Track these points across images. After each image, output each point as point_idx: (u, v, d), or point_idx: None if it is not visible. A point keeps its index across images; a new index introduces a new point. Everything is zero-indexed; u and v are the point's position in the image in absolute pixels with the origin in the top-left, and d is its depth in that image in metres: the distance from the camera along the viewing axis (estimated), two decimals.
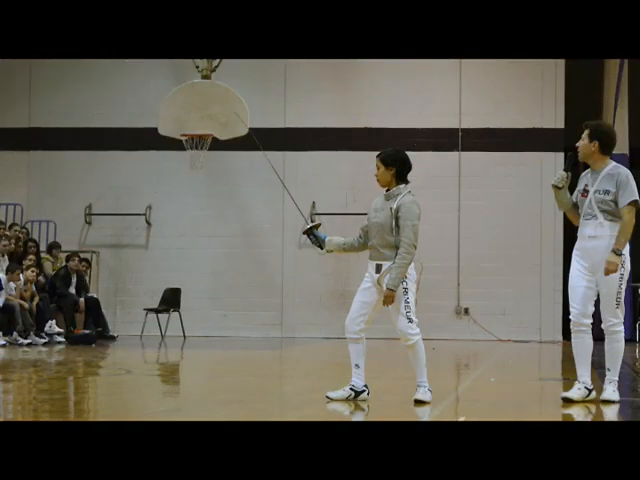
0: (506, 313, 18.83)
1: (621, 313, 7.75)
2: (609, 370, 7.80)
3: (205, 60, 17.37)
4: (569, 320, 7.88)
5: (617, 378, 7.83)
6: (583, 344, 7.81)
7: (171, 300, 18.54)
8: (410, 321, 7.58)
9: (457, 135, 19.09)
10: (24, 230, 18.30)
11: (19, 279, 15.83)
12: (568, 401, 7.77)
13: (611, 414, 7.39)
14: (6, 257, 16.38)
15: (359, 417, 7.40)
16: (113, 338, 17.35)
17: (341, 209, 18.93)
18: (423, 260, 9.59)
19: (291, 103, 19.37)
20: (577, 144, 7.93)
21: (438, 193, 18.60)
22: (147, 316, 18.22)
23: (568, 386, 8.15)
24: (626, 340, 8.06)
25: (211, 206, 19.39)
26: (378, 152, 7.83)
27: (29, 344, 15.24)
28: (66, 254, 17.81)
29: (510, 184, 18.92)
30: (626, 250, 7.66)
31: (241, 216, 19.40)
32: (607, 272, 7.58)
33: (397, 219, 7.57)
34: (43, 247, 18.36)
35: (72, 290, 17.26)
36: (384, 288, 7.55)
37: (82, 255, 18.25)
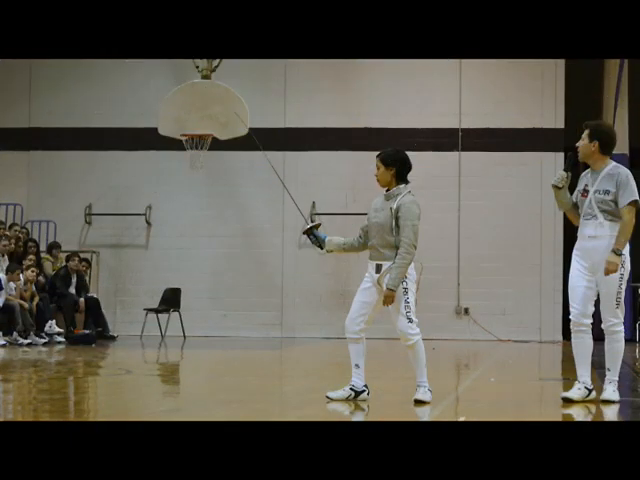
0: (506, 313, 18.83)
1: (621, 313, 7.75)
2: (609, 370, 7.80)
3: (205, 60, 17.37)
4: (569, 320, 7.88)
5: (617, 378, 7.83)
6: (583, 344, 7.81)
7: (171, 300, 18.54)
8: (410, 321, 7.58)
9: (457, 135, 19.09)
10: (24, 230, 18.30)
11: (19, 279, 15.83)
12: (568, 401, 7.77)
13: (611, 414, 7.39)
14: (6, 257, 16.38)
15: (359, 417, 7.40)
16: (113, 338, 17.35)
17: (341, 209, 18.93)
18: (423, 260, 9.59)
19: (291, 103, 19.37)
20: (577, 144, 7.93)
21: (438, 193, 18.60)
22: (147, 316, 18.22)
23: (568, 386, 8.15)
24: (626, 340, 8.06)
25: (211, 206, 19.39)
26: (378, 152, 7.83)
27: (29, 344, 15.24)
28: (66, 254, 17.82)
29: (510, 184, 18.92)
30: (626, 250, 7.66)
31: (241, 216, 19.41)
32: (607, 272, 7.58)
33: (397, 219, 7.57)
34: (43, 247, 18.36)
35: (72, 290, 17.26)
36: (384, 288, 7.55)
37: (82, 255, 18.25)
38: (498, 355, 15.33)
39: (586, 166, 7.98)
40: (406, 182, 7.75)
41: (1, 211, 19.39)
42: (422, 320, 7.88)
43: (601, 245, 7.67)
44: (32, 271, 16.09)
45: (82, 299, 17.21)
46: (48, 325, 16.14)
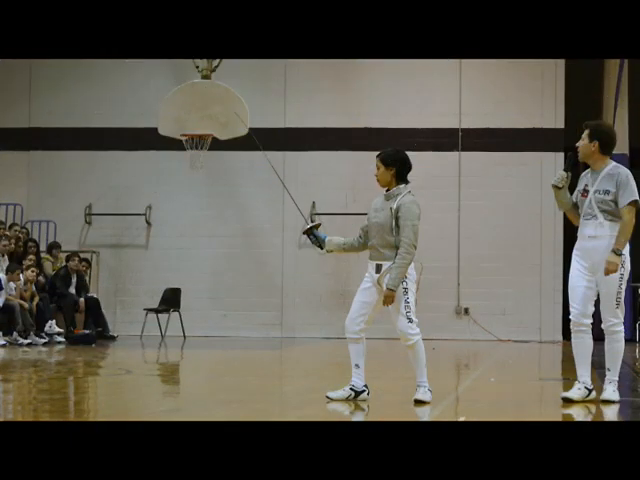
0: (506, 313, 18.83)
1: (621, 313, 7.75)
2: (609, 370, 7.80)
3: (205, 60, 17.37)
4: (569, 320, 7.88)
5: (617, 378, 7.83)
6: (583, 344, 7.81)
7: (171, 300, 18.54)
8: (410, 321, 7.58)
9: (457, 135, 19.09)
10: (24, 230, 18.30)
11: (19, 279, 15.83)
12: (568, 401, 7.77)
13: (611, 414, 7.39)
14: (6, 257, 16.38)
15: (359, 417, 7.40)
16: (113, 338, 17.35)
17: (341, 209, 18.93)
18: (423, 260, 9.59)
19: (291, 103, 19.37)
20: (577, 144, 7.93)
21: (438, 193, 18.60)
22: (147, 316, 18.22)
23: (568, 386, 8.15)
24: (626, 340, 8.06)
25: (211, 206, 19.39)
26: (378, 152, 7.83)
27: (29, 344, 15.24)
28: (66, 254, 17.82)
29: (510, 184, 18.92)
30: (626, 250, 7.66)
31: (241, 216, 19.41)
32: (607, 272, 7.58)
33: (397, 219, 7.57)
34: (43, 247, 18.36)
35: (72, 290, 17.26)
36: (384, 288, 7.55)
37: (82, 255, 18.25)
38: (498, 355, 15.33)
39: (586, 166, 7.98)
40: (406, 182, 7.75)
41: (1, 211, 19.39)
42: (422, 320, 7.88)
43: (601, 245, 7.67)
44: (32, 271, 16.09)
45: (82, 299, 17.21)
46: (48, 325, 16.14)
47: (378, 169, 7.75)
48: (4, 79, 19.71)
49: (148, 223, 19.59)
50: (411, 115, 19.12)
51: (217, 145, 17.52)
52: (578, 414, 7.38)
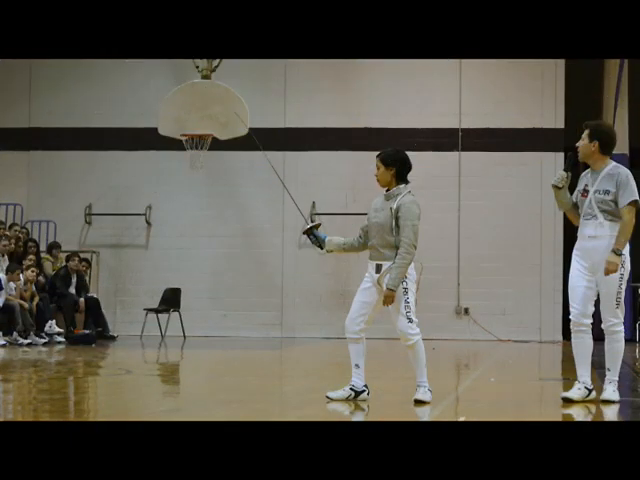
0: (506, 313, 18.83)
1: (621, 313, 7.75)
2: (609, 370, 7.80)
3: (205, 60, 17.37)
4: (569, 320, 7.88)
5: (617, 378, 7.83)
6: (583, 344, 7.81)
7: (171, 300, 18.54)
8: (410, 321, 7.58)
9: (457, 135, 19.09)
10: (24, 230, 18.30)
11: (19, 279, 15.83)
12: (568, 401, 7.77)
13: (611, 414, 7.39)
14: (6, 257, 16.38)
15: (359, 417, 7.40)
16: (113, 338, 17.35)
17: (341, 209, 18.93)
18: (423, 260, 9.59)
19: (291, 103, 19.37)
20: (577, 144, 7.93)
21: (438, 193, 18.60)
22: (147, 316, 18.22)
23: (568, 386, 8.15)
24: (626, 340, 8.06)
25: (211, 206, 19.39)
26: (378, 152, 7.83)
27: (29, 344, 15.24)
28: (66, 254, 17.82)
29: (510, 184, 18.92)
30: (626, 250, 7.66)
31: (241, 216, 19.41)
32: (607, 272, 7.58)
33: (397, 219, 7.57)
34: (43, 247, 18.36)
35: (72, 290, 17.26)
36: (384, 288, 7.55)
37: (82, 255, 18.25)
38: (498, 355, 15.33)
39: (586, 166, 7.98)
40: (406, 182, 7.75)
41: (1, 211, 19.39)
42: (422, 320, 7.88)
43: (601, 245, 7.67)
44: (32, 271, 16.09)
45: (82, 299, 17.21)
46: (48, 325, 16.14)
47: (378, 169, 7.75)
48: (4, 79, 19.71)
49: (148, 223, 19.59)
50: (411, 115, 19.12)
51: (217, 145, 17.52)
52: (578, 414, 7.38)
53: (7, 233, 16.96)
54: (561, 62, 18.76)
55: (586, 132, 7.87)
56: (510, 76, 18.99)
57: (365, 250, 7.88)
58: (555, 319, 18.59)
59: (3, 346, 14.64)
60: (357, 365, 7.81)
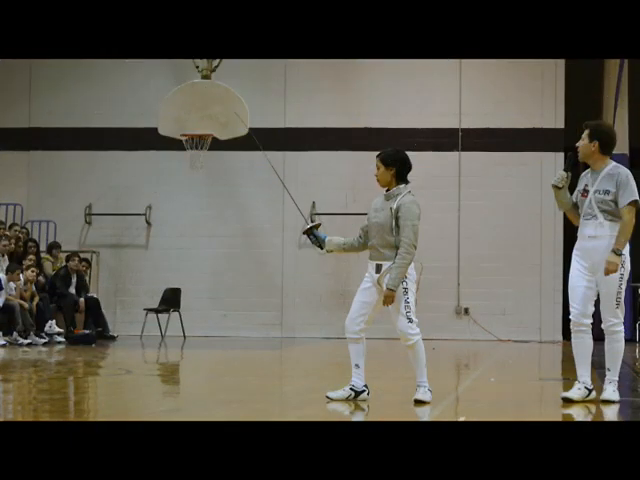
0: (506, 313, 18.83)
1: (621, 313, 7.75)
2: (609, 370, 7.80)
3: (205, 60, 17.37)
4: (569, 320, 7.88)
5: (617, 378, 7.83)
6: (583, 344, 7.81)
7: (171, 300, 18.54)
8: (410, 321, 7.58)
9: (457, 135, 19.09)
10: (24, 230, 18.30)
11: (19, 279, 15.83)
12: (568, 401, 7.77)
13: (611, 414, 7.39)
14: (6, 257, 16.38)
15: (359, 417, 7.40)
16: (113, 338, 17.35)
17: (341, 209, 18.93)
18: (423, 260, 9.59)
19: (291, 103, 19.37)
20: (577, 144, 7.93)
21: (438, 193, 18.60)
22: (147, 316, 18.22)
23: (568, 386, 8.15)
24: (626, 340, 8.06)
25: (211, 206, 19.39)
26: (378, 152, 7.83)
27: (29, 344, 15.24)
28: (66, 254, 17.82)
29: (510, 184, 18.92)
30: (626, 250, 7.66)
31: (241, 216, 19.41)
32: (607, 272, 7.58)
33: (397, 219, 7.57)
34: (43, 247, 18.36)
35: (72, 290, 17.26)
36: (384, 288, 7.55)
37: (82, 255, 18.25)
38: (498, 355, 15.33)
39: (586, 166, 7.98)
40: (406, 182, 7.75)
41: (1, 211, 19.39)
42: (422, 320, 7.88)
43: (601, 245, 7.67)
44: (32, 271, 16.09)
45: (82, 299, 17.21)
46: (48, 325, 16.14)
47: (378, 169, 7.75)
48: (4, 79, 19.71)
49: (148, 223, 19.59)
50: (411, 115, 19.12)
51: (217, 145, 17.52)
52: (578, 414, 7.38)
53: (7, 233, 16.96)
54: (561, 62, 18.76)
55: (586, 132, 7.87)
56: (510, 76, 18.99)
57: (365, 250, 7.88)
58: (555, 319, 18.59)
59: (3, 346, 14.64)
60: (357, 365, 7.81)
